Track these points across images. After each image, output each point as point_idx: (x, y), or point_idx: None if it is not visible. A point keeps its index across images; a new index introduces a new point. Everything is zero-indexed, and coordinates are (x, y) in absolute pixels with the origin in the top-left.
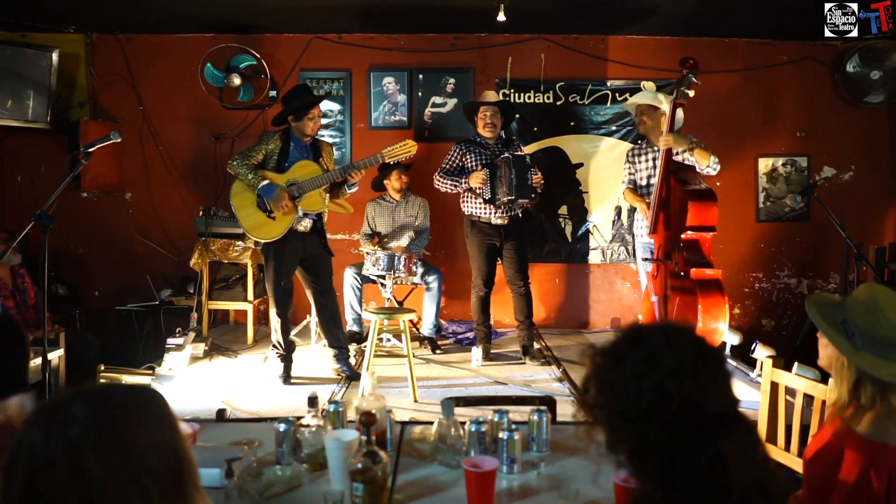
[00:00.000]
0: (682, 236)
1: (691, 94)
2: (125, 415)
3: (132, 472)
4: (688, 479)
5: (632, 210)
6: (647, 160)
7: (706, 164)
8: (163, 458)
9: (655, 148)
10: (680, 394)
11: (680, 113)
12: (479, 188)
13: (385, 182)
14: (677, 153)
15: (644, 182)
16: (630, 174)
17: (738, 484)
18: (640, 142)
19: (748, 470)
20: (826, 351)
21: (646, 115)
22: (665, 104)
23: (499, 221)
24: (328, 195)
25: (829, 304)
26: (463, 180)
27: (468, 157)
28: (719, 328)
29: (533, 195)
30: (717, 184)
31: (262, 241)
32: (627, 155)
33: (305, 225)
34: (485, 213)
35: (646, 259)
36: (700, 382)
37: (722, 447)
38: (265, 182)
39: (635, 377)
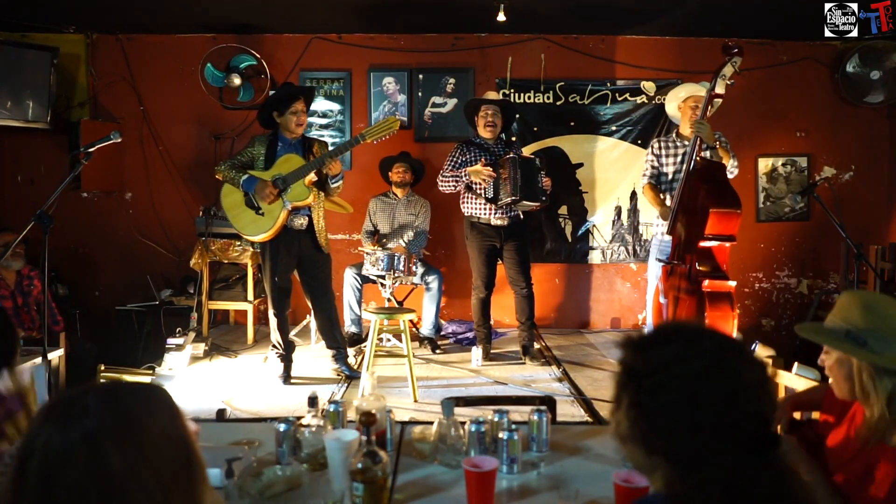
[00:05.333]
0: (700, 244)
1: (731, 83)
2: (140, 407)
3: (150, 464)
4: (752, 494)
5: (633, 210)
6: (675, 154)
7: (726, 165)
8: (176, 450)
9: (688, 142)
10: (756, 410)
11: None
12: (481, 186)
13: (389, 175)
14: (705, 147)
15: (670, 177)
16: (653, 167)
17: (799, 499)
18: (669, 135)
19: (801, 484)
20: (842, 374)
21: (699, 107)
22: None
23: (498, 222)
24: (322, 193)
25: (821, 329)
26: (464, 172)
27: (468, 156)
28: None
29: (543, 198)
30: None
31: (256, 240)
32: (652, 147)
33: (301, 223)
34: (484, 214)
35: (659, 260)
36: (770, 398)
37: (780, 463)
38: (245, 176)
39: (709, 388)
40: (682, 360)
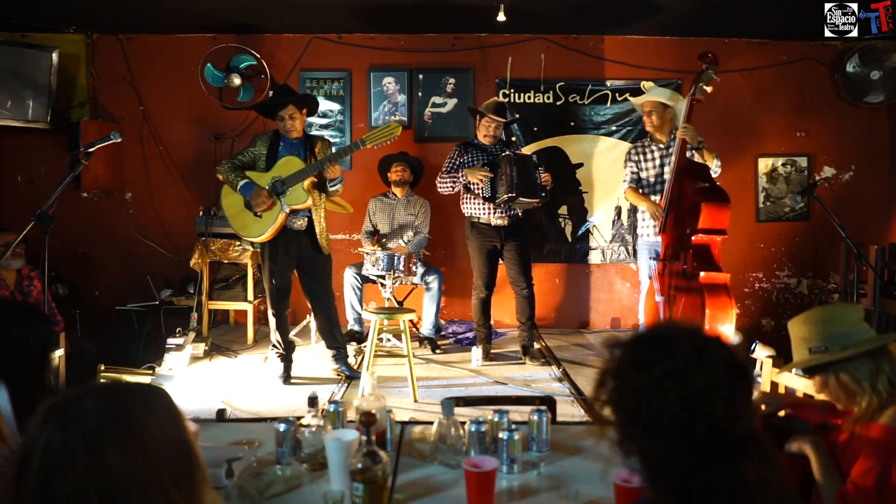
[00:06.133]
0: (693, 238)
1: (709, 90)
2: (140, 408)
3: (151, 465)
4: (705, 500)
5: (633, 210)
6: (653, 158)
7: (710, 166)
8: (177, 452)
9: (662, 146)
10: (706, 415)
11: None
12: (478, 185)
13: (388, 175)
14: (689, 148)
15: (652, 180)
16: (633, 172)
17: None
18: (643, 140)
19: (768, 498)
20: (830, 388)
21: (655, 114)
22: (673, 102)
23: (499, 222)
24: (323, 194)
25: (785, 366)
26: (461, 174)
27: (466, 157)
28: (726, 331)
29: (543, 194)
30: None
31: (255, 241)
32: (629, 153)
33: (300, 224)
34: (484, 214)
35: (653, 259)
36: (729, 405)
37: (743, 472)
38: (244, 181)
39: (661, 390)
40: (645, 363)
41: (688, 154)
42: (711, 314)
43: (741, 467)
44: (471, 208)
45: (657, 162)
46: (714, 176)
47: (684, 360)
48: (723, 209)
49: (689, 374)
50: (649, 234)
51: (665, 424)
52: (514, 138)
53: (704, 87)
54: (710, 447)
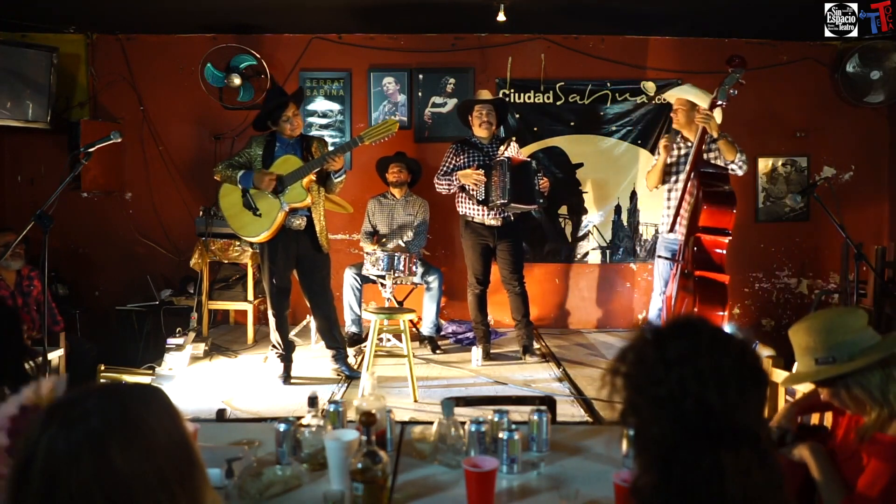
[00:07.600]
0: (695, 237)
1: (735, 93)
2: (142, 408)
3: (154, 464)
4: (683, 478)
5: (633, 210)
6: (677, 154)
7: (732, 160)
8: (179, 451)
9: (690, 143)
10: (698, 396)
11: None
12: (473, 188)
13: (386, 175)
14: (708, 144)
15: (672, 173)
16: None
17: (735, 500)
18: (677, 133)
19: (748, 490)
20: (840, 398)
21: (681, 112)
22: (702, 102)
23: (492, 222)
24: (322, 189)
25: (798, 374)
26: (454, 177)
27: (461, 157)
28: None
29: (541, 200)
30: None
31: (254, 241)
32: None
33: (299, 223)
34: (478, 214)
35: (659, 256)
36: (724, 393)
37: (723, 460)
38: (242, 172)
39: (665, 363)
40: (662, 342)
41: (708, 146)
42: (700, 311)
43: (721, 454)
44: (465, 208)
45: (681, 158)
46: (740, 173)
47: (697, 346)
48: (725, 210)
49: (696, 359)
50: (664, 231)
51: (659, 395)
52: (513, 137)
53: (730, 91)
54: (695, 425)
